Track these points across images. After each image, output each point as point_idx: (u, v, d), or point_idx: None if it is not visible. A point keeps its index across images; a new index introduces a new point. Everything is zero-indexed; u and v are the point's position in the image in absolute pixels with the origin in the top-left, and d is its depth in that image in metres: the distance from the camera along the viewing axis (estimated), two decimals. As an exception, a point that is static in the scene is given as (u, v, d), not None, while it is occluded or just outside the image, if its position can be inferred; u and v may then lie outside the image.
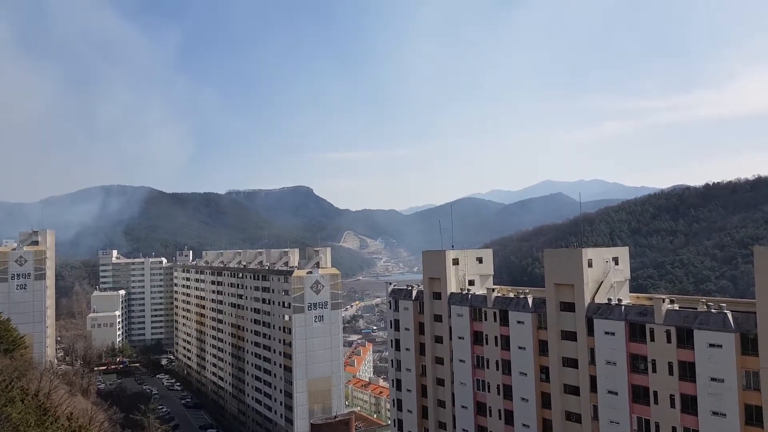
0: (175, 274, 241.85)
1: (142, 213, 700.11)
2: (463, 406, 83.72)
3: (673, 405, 59.35)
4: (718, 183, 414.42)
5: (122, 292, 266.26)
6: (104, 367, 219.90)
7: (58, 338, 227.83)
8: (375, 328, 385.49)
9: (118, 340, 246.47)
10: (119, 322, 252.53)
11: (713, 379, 55.91)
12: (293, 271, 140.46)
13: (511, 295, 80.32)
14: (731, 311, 56.53)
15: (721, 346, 55.56)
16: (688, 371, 58.20)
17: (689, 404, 58.06)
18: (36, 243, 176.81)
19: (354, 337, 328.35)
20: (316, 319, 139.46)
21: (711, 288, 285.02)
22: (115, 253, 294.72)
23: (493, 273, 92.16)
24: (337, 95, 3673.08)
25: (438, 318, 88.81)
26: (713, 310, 57.62)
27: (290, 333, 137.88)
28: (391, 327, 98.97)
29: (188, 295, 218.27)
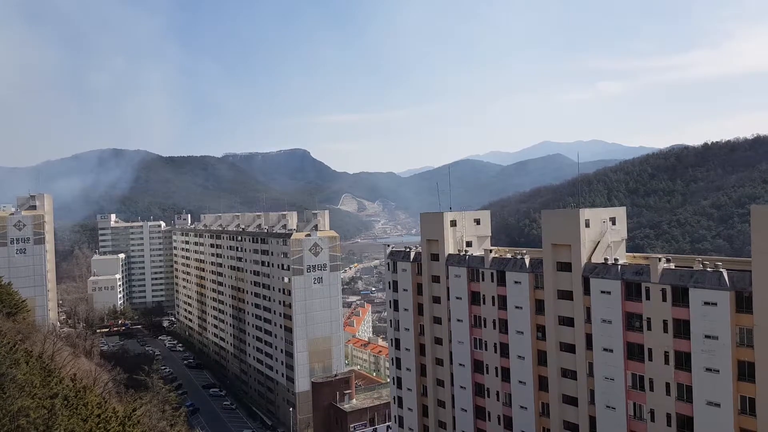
0: (174, 237, 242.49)
1: (139, 177, 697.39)
2: (460, 364, 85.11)
3: (667, 362, 60.33)
4: (717, 142, 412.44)
5: (122, 255, 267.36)
6: (106, 330, 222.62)
7: (60, 301, 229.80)
8: (374, 289, 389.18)
9: (119, 302, 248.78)
10: (120, 285, 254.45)
11: (707, 337, 56.69)
12: (292, 234, 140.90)
13: (509, 255, 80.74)
14: (727, 270, 56.95)
15: (716, 304, 56.15)
16: (682, 329, 58.94)
17: (683, 361, 59.01)
18: (34, 207, 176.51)
19: (353, 298, 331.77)
20: (316, 281, 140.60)
21: (707, 247, 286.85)
22: (113, 217, 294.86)
23: (490, 234, 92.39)
24: (334, 58, 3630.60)
25: (436, 279, 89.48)
26: (709, 269, 58.03)
27: (290, 295, 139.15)
28: (389, 288, 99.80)
29: (188, 258, 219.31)
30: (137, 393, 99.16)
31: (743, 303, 54.91)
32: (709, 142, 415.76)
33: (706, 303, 56.79)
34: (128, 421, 49.27)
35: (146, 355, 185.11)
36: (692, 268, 60.35)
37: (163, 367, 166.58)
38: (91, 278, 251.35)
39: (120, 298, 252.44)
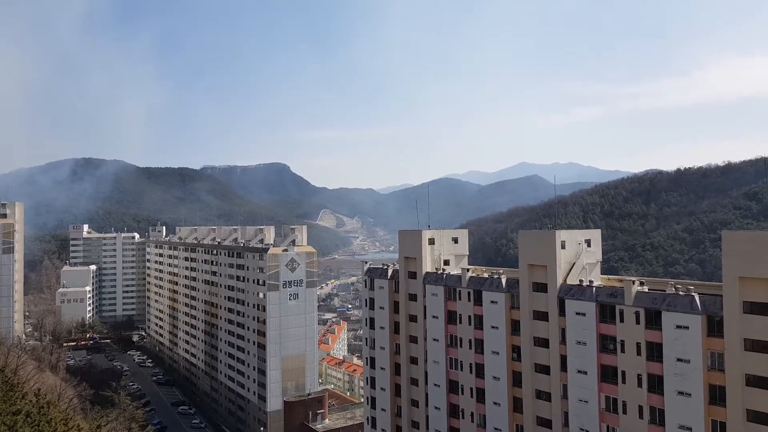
0: (148, 249, 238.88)
1: (114, 187, 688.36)
2: (435, 384, 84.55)
3: (640, 384, 60.64)
4: (690, 168, 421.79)
5: (93, 267, 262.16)
6: (74, 343, 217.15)
7: (27, 313, 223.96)
8: (350, 306, 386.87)
9: (88, 315, 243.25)
10: (90, 298, 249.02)
11: (680, 360, 57.17)
12: (269, 249, 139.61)
13: (486, 275, 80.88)
14: (698, 294, 57.68)
15: (688, 327, 56.76)
16: (655, 352, 59.40)
17: (656, 384, 59.37)
18: (4, 216, 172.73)
19: (329, 315, 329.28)
20: (291, 297, 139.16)
21: (680, 271, 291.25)
22: (86, 227, 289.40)
23: (468, 253, 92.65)
24: (314, 73, 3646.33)
25: (413, 297, 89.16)
26: (681, 293, 58.73)
27: (264, 310, 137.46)
28: (366, 306, 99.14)
29: (161, 271, 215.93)
30: (103, 410, 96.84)
31: (714, 327, 55.57)
32: (682, 168, 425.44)
33: (679, 326, 57.35)
34: (92, 439, 47.82)
35: (114, 370, 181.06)
36: (665, 291, 61.03)
37: (131, 384, 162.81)
38: (60, 290, 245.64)
39: (89, 310, 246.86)
